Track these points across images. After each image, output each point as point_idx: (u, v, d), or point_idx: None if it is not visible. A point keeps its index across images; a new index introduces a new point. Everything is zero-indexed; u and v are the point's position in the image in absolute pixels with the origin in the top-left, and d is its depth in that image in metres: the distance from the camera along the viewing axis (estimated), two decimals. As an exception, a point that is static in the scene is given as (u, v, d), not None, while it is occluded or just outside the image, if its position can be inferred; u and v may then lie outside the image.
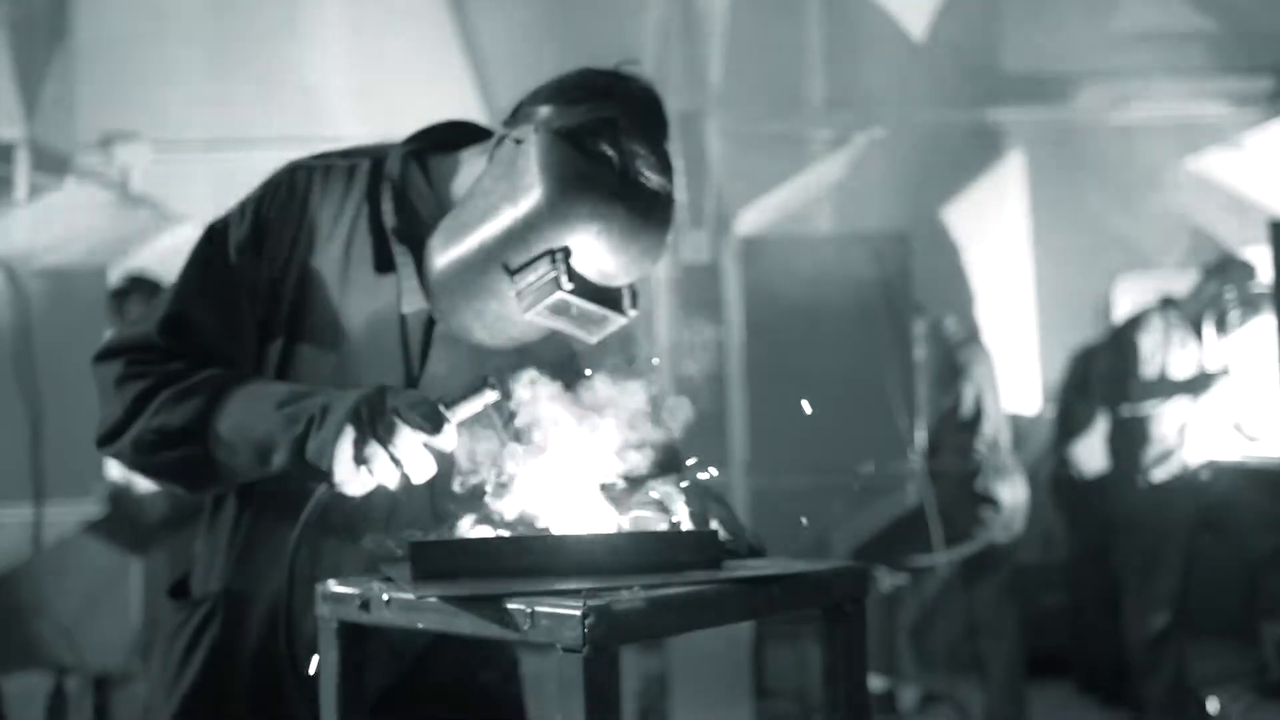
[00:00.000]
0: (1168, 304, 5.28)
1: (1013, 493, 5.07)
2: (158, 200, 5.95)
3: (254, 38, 6.29)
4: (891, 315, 4.89)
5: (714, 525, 1.59)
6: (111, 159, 6.13)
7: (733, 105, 5.50)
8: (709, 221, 4.95)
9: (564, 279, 1.59)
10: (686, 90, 5.14)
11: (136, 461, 1.69)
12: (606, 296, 1.64)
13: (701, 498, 1.65)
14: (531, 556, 1.46)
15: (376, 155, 1.81)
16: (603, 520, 1.60)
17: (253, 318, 1.75)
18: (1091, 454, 5.75)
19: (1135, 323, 5.27)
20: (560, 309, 1.62)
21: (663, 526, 1.63)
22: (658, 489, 1.69)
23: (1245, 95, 6.42)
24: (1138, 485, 5.17)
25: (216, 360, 1.71)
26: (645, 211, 1.61)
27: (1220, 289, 5.17)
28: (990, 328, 6.06)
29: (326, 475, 1.56)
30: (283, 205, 1.76)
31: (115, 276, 4.97)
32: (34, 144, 5.52)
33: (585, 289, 1.62)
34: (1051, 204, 6.68)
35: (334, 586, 1.52)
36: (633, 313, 1.68)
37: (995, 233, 6.73)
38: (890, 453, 4.96)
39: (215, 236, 1.76)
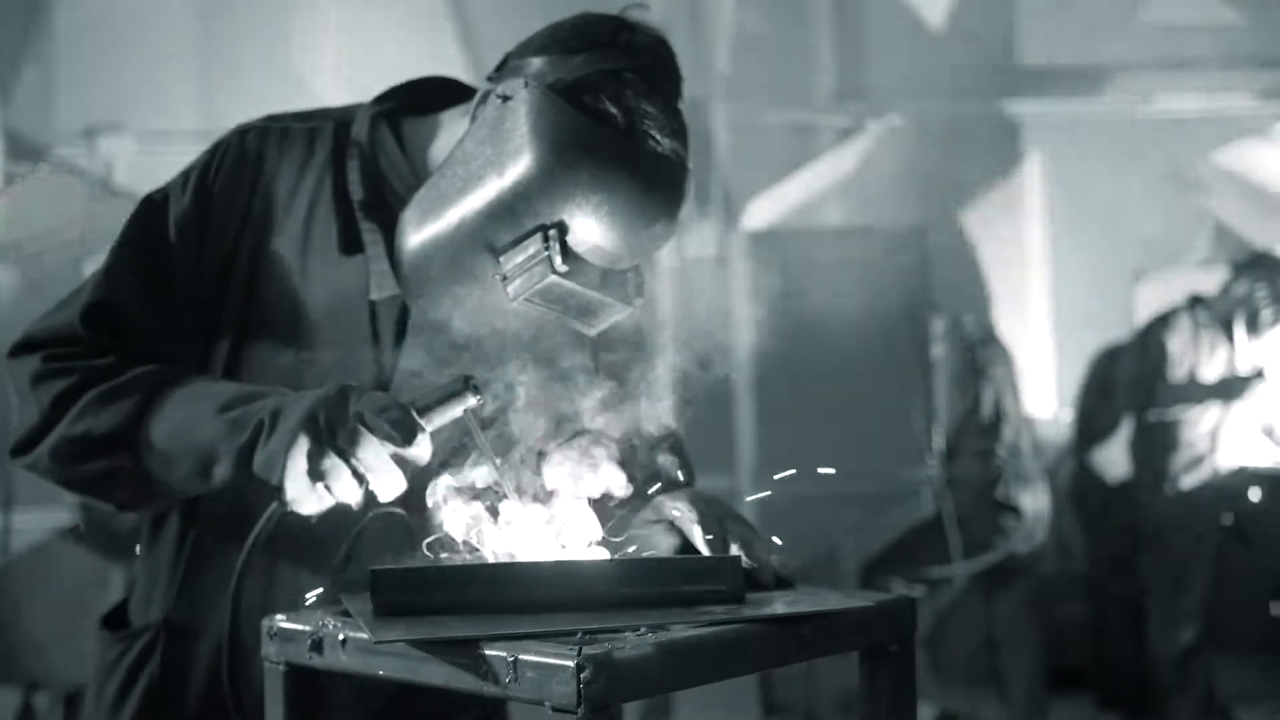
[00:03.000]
0: (1196, 303, 5.05)
1: (1034, 500, 4.86)
2: (142, 194, 5.73)
3: (242, 25, 6.07)
4: (908, 313, 4.67)
5: (734, 550, 1.35)
6: (95, 150, 5.92)
7: (740, 93, 5.28)
8: (716, 214, 4.73)
9: (558, 260, 1.35)
10: (692, 77, 4.91)
11: (56, 474, 1.45)
12: (608, 281, 1.40)
13: (718, 516, 1.41)
14: (516, 589, 1.23)
15: (341, 117, 1.57)
16: (598, 543, 1.36)
17: (196, 306, 1.51)
18: (1113, 459, 5.53)
19: (1162, 323, 5.05)
20: (554, 295, 1.38)
21: (672, 551, 1.39)
22: (667, 506, 1.45)
23: (1274, 87, 6.22)
24: (1165, 493, 4.96)
25: (152, 355, 1.47)
26: (654, 180, 1.37)
27: (1252, 287, 4.94)
28: (1006, 327, 5.84)
29: (277, 491, 1.32)
30: (231, 174, 1.52)
31: (90, 270, 4.74)
32: (9, 133, 5.30)
33: (583, 272, 1.38)
34: (1070, 199, 6.47)
35: (282, 622, 1.28)
36: (639, 301, 1.44)
37: (1012, 228, 6.52)
38: (906, 458, 4.74)
39: (152, 210, 1.52)
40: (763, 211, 5.19)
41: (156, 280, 1.49)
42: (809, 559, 4.99)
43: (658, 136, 1.37)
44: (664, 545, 1.40)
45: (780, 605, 1.24)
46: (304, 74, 5.94)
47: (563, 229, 1.35)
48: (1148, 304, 5.99)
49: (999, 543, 4.82)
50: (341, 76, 5.76)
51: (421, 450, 1.30)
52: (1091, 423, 5.68)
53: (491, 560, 1.33)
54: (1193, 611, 4.93)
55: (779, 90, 5.89)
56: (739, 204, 4.92)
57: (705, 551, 1.36)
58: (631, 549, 1.39)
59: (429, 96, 1.60)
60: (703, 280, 4.82)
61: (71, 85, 5.86)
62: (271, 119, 1.57)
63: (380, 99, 1.59)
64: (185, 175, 1.53)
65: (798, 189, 5.41)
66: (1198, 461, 4.94)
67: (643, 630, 1.12)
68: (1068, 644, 5.74)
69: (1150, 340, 5.04)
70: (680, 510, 1.42)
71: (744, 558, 1.33)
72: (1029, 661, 5.01)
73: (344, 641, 1.21)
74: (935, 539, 4.73)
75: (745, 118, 5.27)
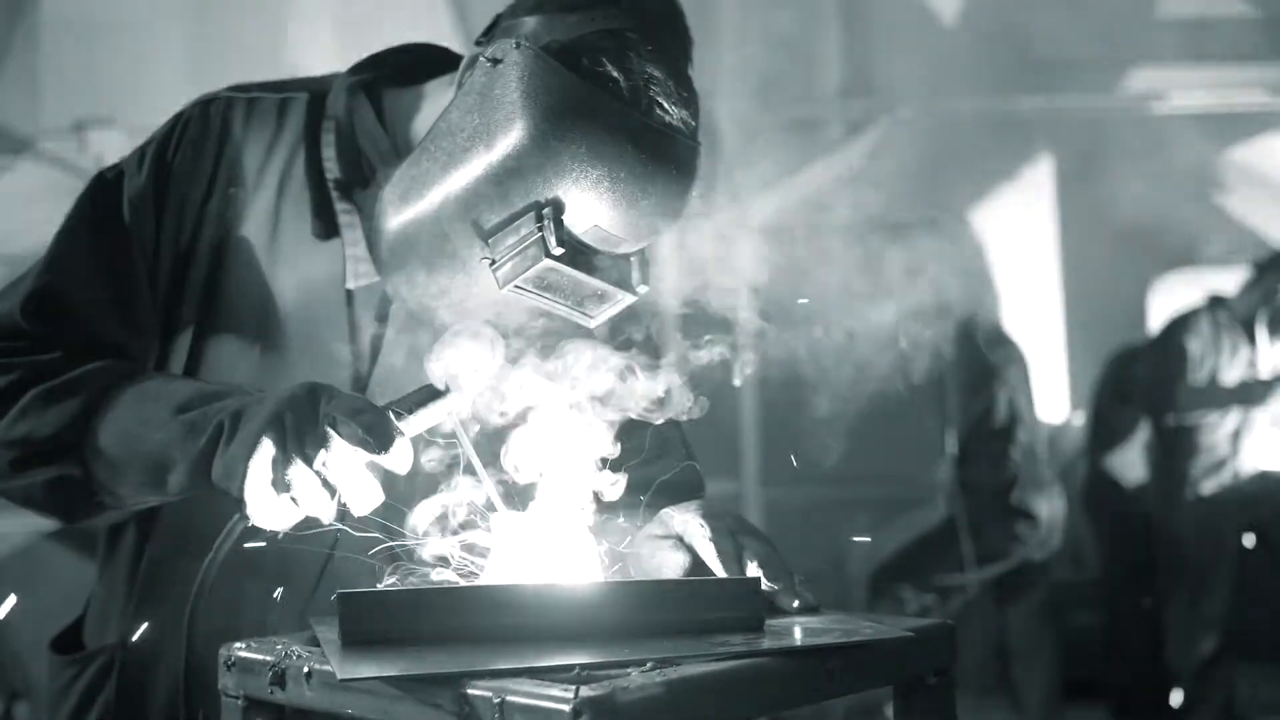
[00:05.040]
0: (1216, 303, 4.93)
1: (1050, 506, 4.73)
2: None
3: (235, 17, 5.93)
4: (920, 311, 4.53)
5: (752, 569, 1.19)
6: (84, 145, 5.77)
7: (747, 86, 5.14)
8: (721, 210, 4.57)
9: (552, 241, 1.20)
10: (696, 69, 4.77)
11: None
12: (609, 267, 1.25)
13: (733, 530, 1.26)
14: (504, 615, 1.08)
15: (316, 88, 1.43)
16: (595, 562, 1.21)
17: (154, 296, 1.36)
18: (1129, 464, 5.40)
19: (1181, 324, 4.92)
20: (548, 282, 1.23)
21: (681, 571, 1.24)
22: (675, 519, 1.30)
23: (1292, 83, 6.09)
24: (1184, 498, 4.84)
25: (103, 350, 1.34)
26: (661, 153, 1.22)
27: (1274, 286, 4.81)
28: (1016, 327, 5.70)
29: (239, 503, 1.17)
30: (192, 148, 1.38)
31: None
32: (-6, 125, 5.18)
33: (581, 256, 1.23)
34: (1084, 197, 6.32)
35: (241, 651, 1.14)
36: (643, 289, 1.29)
37: (1023, 226, 6.38)
38: (918, 462, 4.61)
39: (105, 188, 1.38)
40: (769, 206, 5.04)
41: (108, 266, 1.35)
42: (816, 566, 4.86)
43: (665, 104, 1.22)
44: (672, 564, 1.25)
45: (805, 635, 1.09)
46: (300, 66, 5.80)
47: (558, 207, 1.20)
48: (1163, 304, 5.87)
49: (1014, 549, 4.68)
50: (339, 68, 5.62)
51: (399, 458, 1.16)
52: (1107, 426, 5.55)
53: (477, 582, 1.18)
54: (1213, 620, 4.82)
55: (787, 84, 5.75)
56: (745, 199, 4.77)
57: (719, 571, 1.20)
58: (635, 569, 1.25)
59: (412, 65, 1.46)
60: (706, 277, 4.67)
61: (60, 78, 5.72)
62: (238, 88, 1.42)
63: (358, 68, 1.44)
64: (142, 150, 1.39)
65: (805, 184, 5.27)
66: (1218, 466, 4.82)
67: (649, 665, 0.99)
68: (1079, 652, 5.62)
69: (1169, 342, 4.92)
70: (690, 524, 1.27)
71: (763, 578, 1.18)
72: (1043, 671, 4.91)
73: (309, 675, 1.07)
74: (947, 545, 4.61)
75: (752, 111, 5.12)
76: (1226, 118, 6.21)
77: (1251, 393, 4.75)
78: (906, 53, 6.04)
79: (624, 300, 1.28)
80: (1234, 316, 4.87)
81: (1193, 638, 4.84)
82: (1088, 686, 5.61)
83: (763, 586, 1.17)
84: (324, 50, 5.79)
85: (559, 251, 1.19)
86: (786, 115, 5.42)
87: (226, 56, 5.86)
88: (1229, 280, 5.08)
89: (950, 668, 1.17)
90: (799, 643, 1.06)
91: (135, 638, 1.42)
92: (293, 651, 1.11)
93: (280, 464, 1.14)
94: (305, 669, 1.07)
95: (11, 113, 5.43)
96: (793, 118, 5.52)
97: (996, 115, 6.24)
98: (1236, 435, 4.82)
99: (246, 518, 1.18)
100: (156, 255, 1.36)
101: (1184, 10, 6.23)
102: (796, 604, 1.20)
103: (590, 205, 1.21)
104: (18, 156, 5.03)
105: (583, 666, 0.97)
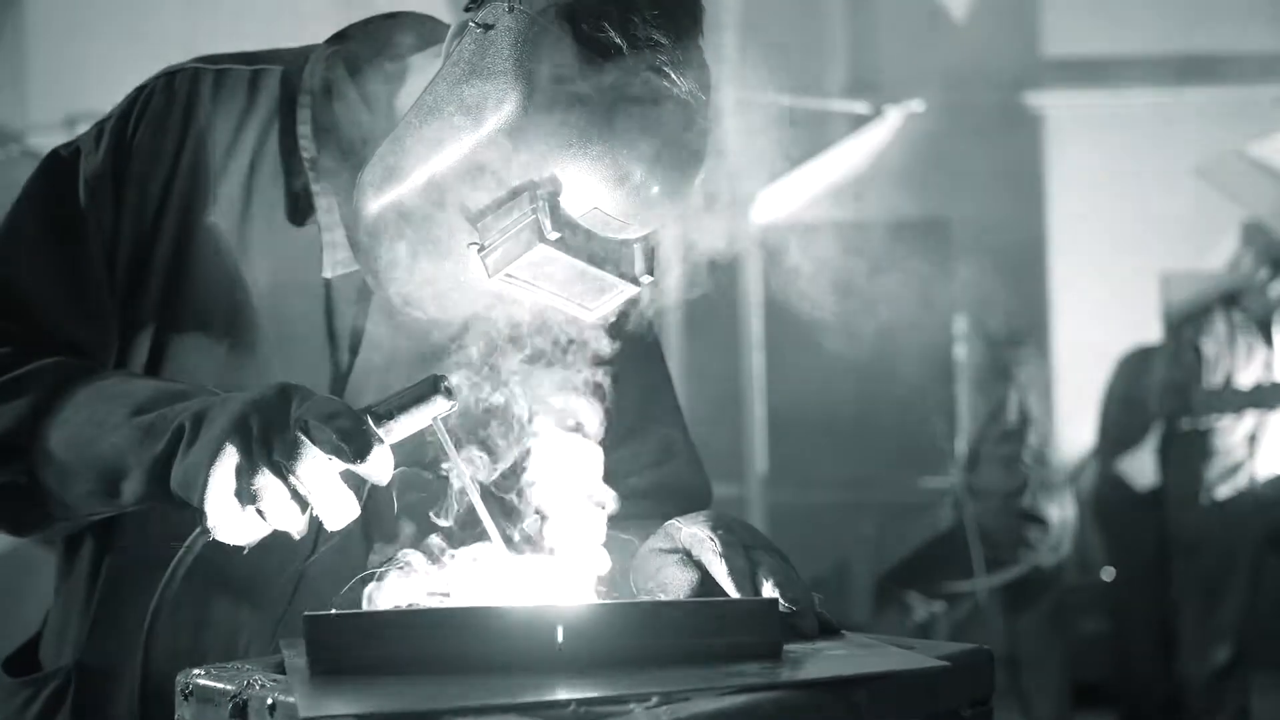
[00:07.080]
0: (1231, 302, 4.85)
1: (1061, 511, 4.66)
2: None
3: (230, 8, 5.86)
4: (929, 311, 4.44)
5: (768, 589, 1.08)
6: (75, 140, 5.71)
7: (750, 80, 5.05)
8: (724, 207, 4.48)
9: (547, 224, 1.08)
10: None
11: None
12: (610, 253, 1.14)
13: (745, 545, 1.14)
14: (493, 641, 0.97)
15: (291, 60, 1.31)
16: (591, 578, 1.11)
17: (112, 287, 1.25)
18: (1141, 468, 5.32)
19: (1195, 324, 4.86)
20: (543, 270, 1.12)
21: (689, 590, 1.12)
22: (682, 531, 1.18)
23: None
24: (1199, 502, 4.78)
25: (57, 345, 1.22)
26: (668, 128, 1.11)
27: (1290, 286, 4.74)
28: (1026, 327, 5.62)
29: (200, 514, 1.06)
30: (155, 125, 1.27)
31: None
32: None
33: (580, 241, 1.11)
34: (1094, 195, 6.25)
35: (200, 678, 1.02)
36: (647, 279, 1.18)
37: (1032, 225, 6.30)
38: (926, 465, 4.53)
39: (59, 168, 1.27)
40: (773, 203, 4.96)
41: (61, 253, 1.24)
42: (821, 572, 4.78)
43: (672, 74, 1.10)
44: (679, 582, 1.13)
45: (829, 664, 0.98)
46: (295, 60, 5.73)
47: (554, 188, 1.09)
48: (1174, 304, 5.79)
49: (1024, 555, 4.62)
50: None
51: (378, 467, 1.05)
52: (1118, 429, 5.50)
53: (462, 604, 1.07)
54: (1228, 628, 4.77)
55: (791, 78, 5.67)
56: (749, 195, 4.68)
57: (732, 591, 1.09)
58: (638, 588, 1.14)
59: (397, 36, 1.34)
60: (709, 276, 4.59)
61: (49, 71, 5.64)
62: (206, 59, 1.31)
63: (337, 38, 1.33)
64: (100, 126, 1.29)
65: (811, 180, 5.18)
66: (1234, 470, 4.76)
67: (654, 700, 0.87)
68: (1088, 659, 5.56)
69: (1183, 343, 4.85)
70: (698, 537, 1.15)
71: (780, 599, 1.06)
72: (1053, 678, 4.87)
73: (272, 707, 0.95)
74: (956, 551, 4.55)
75: (755, 105, 5.04)
76: (1239, 114, 6.14)
77: (1268, 395, 4.70)
78: (913, 48, 5.97)
79: (626, 291, 1.17)
80: (1249, 317, 4.81)
81: (1206, 645, 4.79)
82: (1098, 693, 5.54)
83: (780, 608, 1.05)
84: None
85: (555, 235, 1.08)
86: (790, 111, 5.34)
87: (221, 49, 5.78)
88: (1245, 280, 4.99)
89: (989, 698, 1.06)
90: (823, 674, 0.95)
91: (89, 658, 1.31)
92: (256, 680, 0.99)
93: (245, 472, 1.03)
94: (269, 700, 0.96)
95: (3, 108, 5.36)
96: (796, 113, 5.44)
97: (1005, 111, 6.17)
98: (1252, 439, 4.75)
99: (208, 531, 1.07)
100: (115, 241, 1.25)
101: (1195, 5, 6.16)
102: (816, 626, 1.08)
103: (590, 185, 1.10)
104: (6, 151, 4.95)
105: (579, 702, 0.86)
